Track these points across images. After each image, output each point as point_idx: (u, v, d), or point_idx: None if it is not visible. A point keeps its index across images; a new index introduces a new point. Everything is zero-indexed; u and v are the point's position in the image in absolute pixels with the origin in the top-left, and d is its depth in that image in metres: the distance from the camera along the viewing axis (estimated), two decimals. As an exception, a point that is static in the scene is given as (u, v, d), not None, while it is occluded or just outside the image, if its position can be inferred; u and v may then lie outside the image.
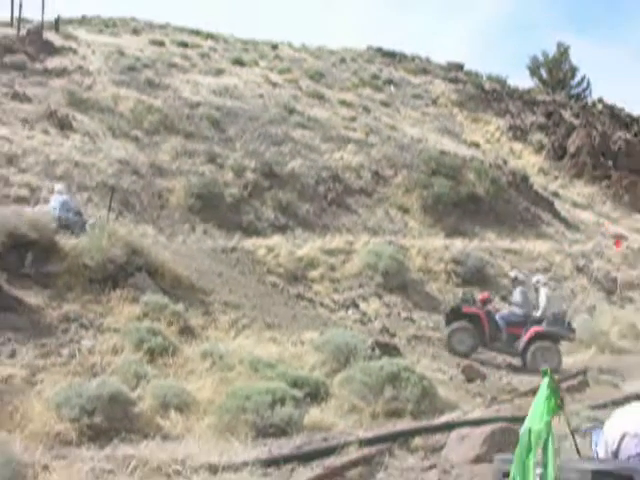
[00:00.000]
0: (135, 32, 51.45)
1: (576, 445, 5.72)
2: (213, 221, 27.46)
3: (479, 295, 22.29)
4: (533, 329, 20.53)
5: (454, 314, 21.21)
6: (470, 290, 23.70)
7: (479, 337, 20.69)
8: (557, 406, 5.02)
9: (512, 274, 22.91)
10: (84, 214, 21.50)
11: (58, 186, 21.80)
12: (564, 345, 21.96)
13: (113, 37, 47.08)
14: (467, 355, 20.07)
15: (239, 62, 47.41)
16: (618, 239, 33.64)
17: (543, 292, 21.45)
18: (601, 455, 5.30)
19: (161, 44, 47.11)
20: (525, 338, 20.48)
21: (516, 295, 21.44)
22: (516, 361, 20.72)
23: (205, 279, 19.67)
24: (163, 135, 32.04)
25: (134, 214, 25.36)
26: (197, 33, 56.81)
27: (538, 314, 20.90)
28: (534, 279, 22.39)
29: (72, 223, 20.38)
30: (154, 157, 29.96)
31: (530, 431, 4.87)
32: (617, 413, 5.36)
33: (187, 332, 15.92)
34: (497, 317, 21.07)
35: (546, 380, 5.08)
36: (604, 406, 14.08)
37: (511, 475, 4.84)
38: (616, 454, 5.13)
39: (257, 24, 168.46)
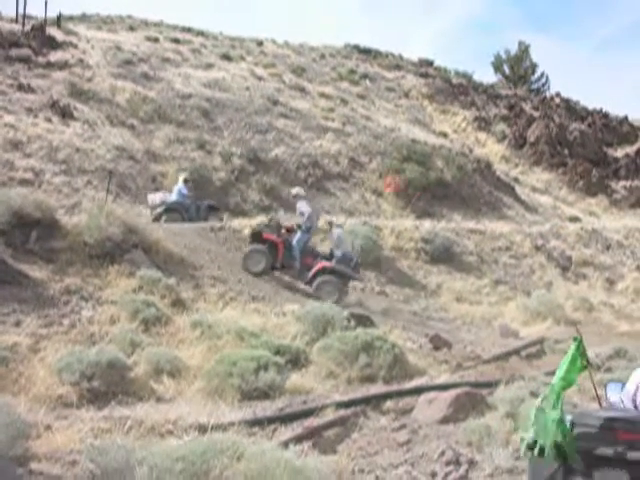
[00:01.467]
0: (131, 29, 51.06)
1: (598, 397, 6.21)
2: (203, 203, 27.42)
3: (286, 223, 22.31)
4: (321, 264, 20.76)
5: (256, 237, 21.31)
6: (284, 218, 23.60)
7: (273, 262, 20.86)
8: (584, 366, 5.58)
9: (294, 191, 23.15)
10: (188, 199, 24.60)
11: (182, 176, 24.94)
12: (523, 317, 22.09)
13: (111, 33, 46.68)
14: (258, 275, 20.28)
15: (227, 57, 47.17)
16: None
17: (335, 232, 21.80)
18: (627, 403, 5.75)
19: (155, 40, 46.75)
20: (313, 270, 20.75)
21: (301, 206, 21.67)
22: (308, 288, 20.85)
23: (195, 256, 19.62)
24: (157, 124, 31.91)
25: (130, 196, 25.28)
26: (189, 30, 56.51)
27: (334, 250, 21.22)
28: (329, 219, 23.14)
29: (187, 207, 24.45)
30: (149, 144, 29.87)
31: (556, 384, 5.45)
32: (637, 370, 5.87)
33: (179, 304, 15.91)
34: (294, 244, 21.12)
35: (574, 345, 5.59)
36: (559, 372, 14.14)
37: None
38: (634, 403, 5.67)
39: (244, 22, 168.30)
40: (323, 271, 20.70)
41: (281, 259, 21.02)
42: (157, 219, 23.63)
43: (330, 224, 22.51)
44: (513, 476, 8.45)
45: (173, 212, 24.16)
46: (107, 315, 14.42)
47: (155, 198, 24.54)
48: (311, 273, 20.76)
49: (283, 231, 21.35)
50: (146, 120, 31.82)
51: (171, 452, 7.52)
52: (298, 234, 21.23)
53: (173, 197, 24.36)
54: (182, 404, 10.58)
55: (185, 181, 25.09)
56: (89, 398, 10.60)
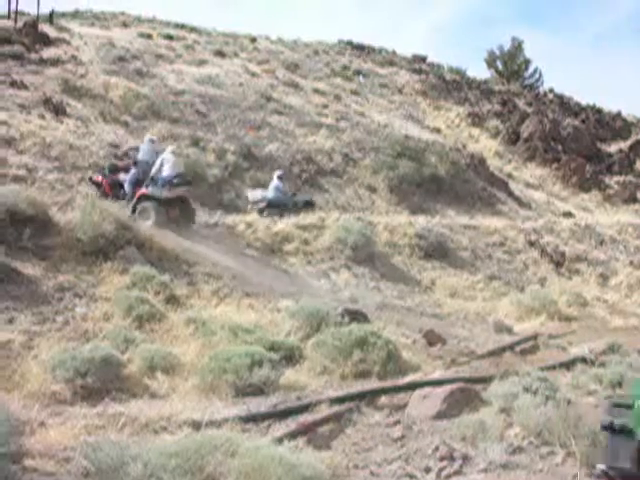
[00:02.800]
0: (125, 25, 51.10)
1: None
2: (197, 199, 27.34)
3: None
4: (140, 191, 21.88)
5: (90, 180, 23.33)
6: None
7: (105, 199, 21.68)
8: None
9: (147, 135, 24.58)
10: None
11: (276, 173, 27.79)
12: (517, 312, 22.13)
13: (104, 30, 46.68)
14: None
15: (220, 54, 47.20)
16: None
17: (160, 158, 22.51)
18: None
19: (149, 37, 46.79)
20: (135, 198, 21.92)
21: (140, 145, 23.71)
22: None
23: (189, 252, 19.60)
24: (150, 120, 31.85)
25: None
26: (182, 27, 56.58)
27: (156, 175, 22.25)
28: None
29: (284, 202, 27.04)
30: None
31: None
32: None
33: (172, 300, 15.89)
34: (127, 180, 22.57)
35: None
36: (553, 367, 14.20)
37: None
38: None
39: (237, 19, 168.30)
40: (142, 198, 21.78)
41: (112, 195, 22.23)
42: (259, 214, 26.41)
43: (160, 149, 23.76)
44: (507, 471, 8.46)
45: (274, 207, 26.70)
46: (101, 312, 14.41)
47: (256, 194, 27.45)
48: (132, 203, 21.82)
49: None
50: (139, 117, 31.78)
51: (165, 448, 7.51)
52: (132, 170, 22.71)
53: (271, 193, 27.02)
54: (176, 400, 10.55)
55: (279, 178, 27.57)
56: (83, 395, 10.57)
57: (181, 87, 36.40)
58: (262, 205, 26.86)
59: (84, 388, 10.67)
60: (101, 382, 10.83)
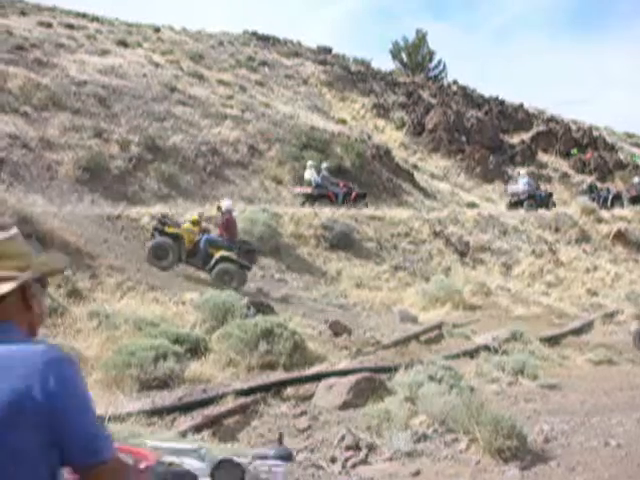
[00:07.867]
0: (23, 13, 49.93)
1: None
2: (100, 191, 26.98)
3: None
4: None
5: None
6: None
7: None
8: None
9: None
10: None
11: (522, 171, 38.91)
12: (422, 302, 22.38)
13: (1, 18, 45.59)
14: None
15: (123, 43, 46.60)
16: None
17: None
18: None
19: (49, 25, 45.86)
20: None
21: None
22: None
23: (92, 245, 19.33)
24: (52, 111, 31.27)
25: (24, 185, 24.72)
26: (83, 16, 55.62)
27: None
28: None
29: (536, 195, 36.83)
30: (43, 132, 29.23)
31: None
32: None
33: (75, 294, 15.66)
34: None
35: None
36: (457, 356, 14.43)
37: None
38: None
39: (140, 8, 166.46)
40: None
41: None
42: (520, 204, 36.13)
43: None
44: (412, 459, 8.56)
45: (530, 199, 36.16)
46: None
47: (516, 188, 37.31)
48: None
49: None
50: (40, 107, 31.16)
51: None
52: None
53: (526, 187, 36.57)
54: (79, 396, 10.40)
55: (523, 176, 37.74)
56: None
57: (83, 77, 35.80)
58: (523, 197, 36.27)
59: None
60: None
